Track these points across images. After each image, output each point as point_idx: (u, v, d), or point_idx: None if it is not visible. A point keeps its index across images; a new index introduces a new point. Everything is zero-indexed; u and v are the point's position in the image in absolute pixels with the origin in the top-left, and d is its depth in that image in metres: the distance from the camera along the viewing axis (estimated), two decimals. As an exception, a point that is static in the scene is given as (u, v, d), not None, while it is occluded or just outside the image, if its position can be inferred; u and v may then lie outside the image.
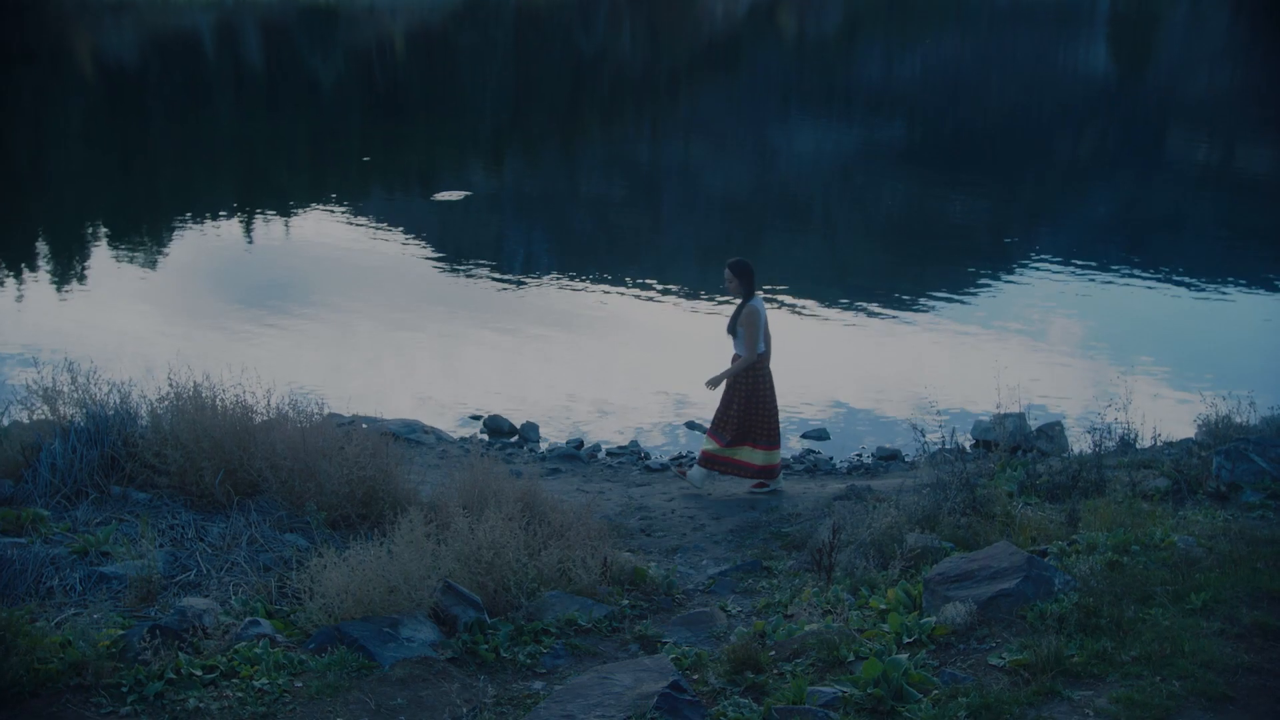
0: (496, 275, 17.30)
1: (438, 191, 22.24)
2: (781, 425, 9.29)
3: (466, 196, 21.96)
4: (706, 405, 12.15)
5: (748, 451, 9.07)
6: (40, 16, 48.01)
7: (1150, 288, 16.70)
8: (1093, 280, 17.19)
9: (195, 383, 6.98)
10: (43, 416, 6.90)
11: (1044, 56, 51.08)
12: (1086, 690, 4.34)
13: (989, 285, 17.24)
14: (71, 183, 23.92)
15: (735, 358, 9.03)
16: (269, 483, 6.63)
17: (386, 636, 4.92)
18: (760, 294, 9.11)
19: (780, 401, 9.47)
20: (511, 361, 13.46)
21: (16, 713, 4.22)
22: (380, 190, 24.48)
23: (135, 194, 23.19)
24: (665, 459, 10.81)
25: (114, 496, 6.50)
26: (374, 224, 20.60)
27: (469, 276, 17.23)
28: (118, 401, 6.95)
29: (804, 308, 15.79)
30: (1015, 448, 9.96)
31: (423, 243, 19.33)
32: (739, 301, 9.03)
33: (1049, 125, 34.08)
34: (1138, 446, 9.10)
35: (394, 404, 11.71)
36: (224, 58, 44.00)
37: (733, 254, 9.33)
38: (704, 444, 9.36)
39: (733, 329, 8.95)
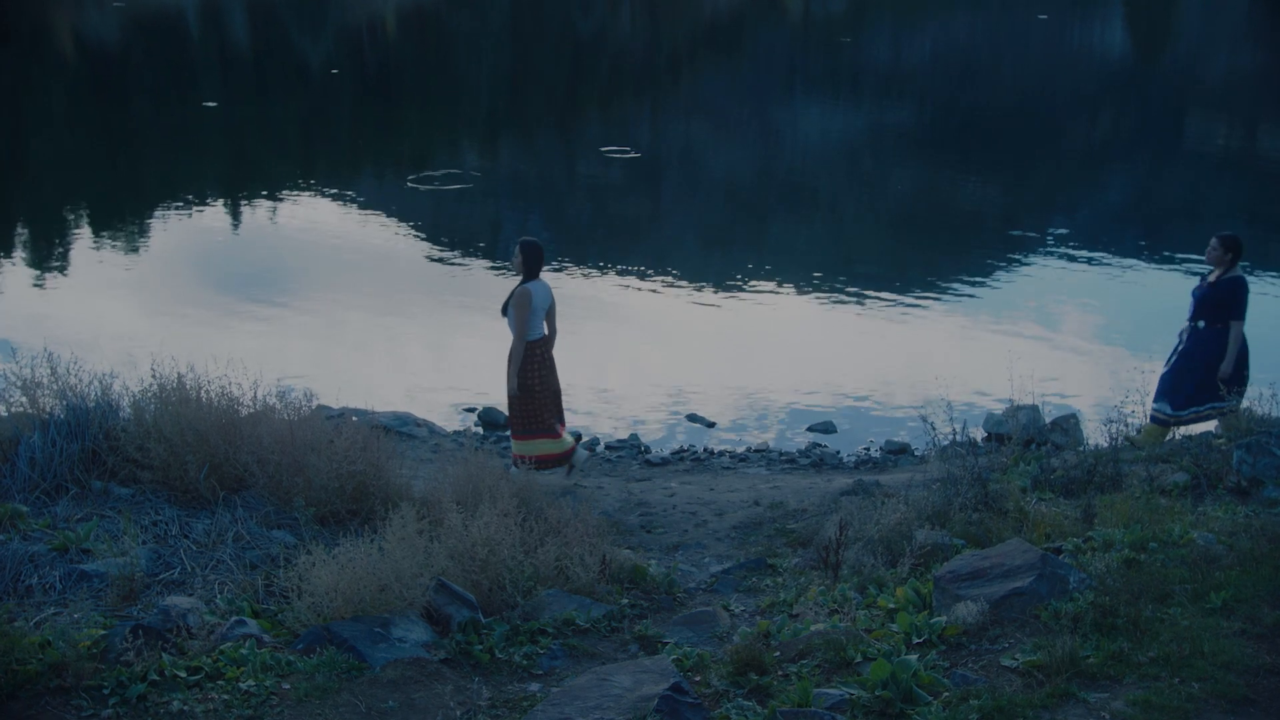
0: (491, 262, 17.26)
1: (410, 175, 22.15)
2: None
3: (445, 177, 21.90)
4: (708, 397, 12.15)
5: (547, 443, 8.93)
6: (19, -5, 47.91)
7: (1168, 276, 16.67)
8: (1109, 268, 17.16)
9: (179, 374, 6.96)
10: (21, 409, 6.88)
11: (1058, 37, 50.98)
12: (1102, 692, 4.33)
13: (1001, 273, 17.22)
14: (51, 167, 23.88)
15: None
16: (255, 477, 6.61)
17: (377, 637, 4.90)
18: (546, 279, 8.91)
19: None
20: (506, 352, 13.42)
21: (-6, 715, 4.21)
22: (371, 175, 24.45)
23: (117, 179, 23.15)
24: (666, 453, 10.80)
25: (95, 492, 6.48)
26: (365, 210, 20.57)
27: (462, 263, 17.20)
28: (99, 393, 6.92)
29: (810, 297, 15.77)
30: (1029, 441, 9.95)
31: (415, 229, 19.30)
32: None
33: (1063, 108, 34.01)
34: (1156, 440, 9.08)
35: (385, 396, 11.69)
36: (209, 38, 43.91)
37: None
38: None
39: (505, 310, 8.85)
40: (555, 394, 8.97)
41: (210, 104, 29.88)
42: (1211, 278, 9.33)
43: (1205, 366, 9.13)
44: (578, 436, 9.37)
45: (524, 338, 8.65)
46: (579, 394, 12.25)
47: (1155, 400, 9.42)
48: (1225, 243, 9.24)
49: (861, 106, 34.77)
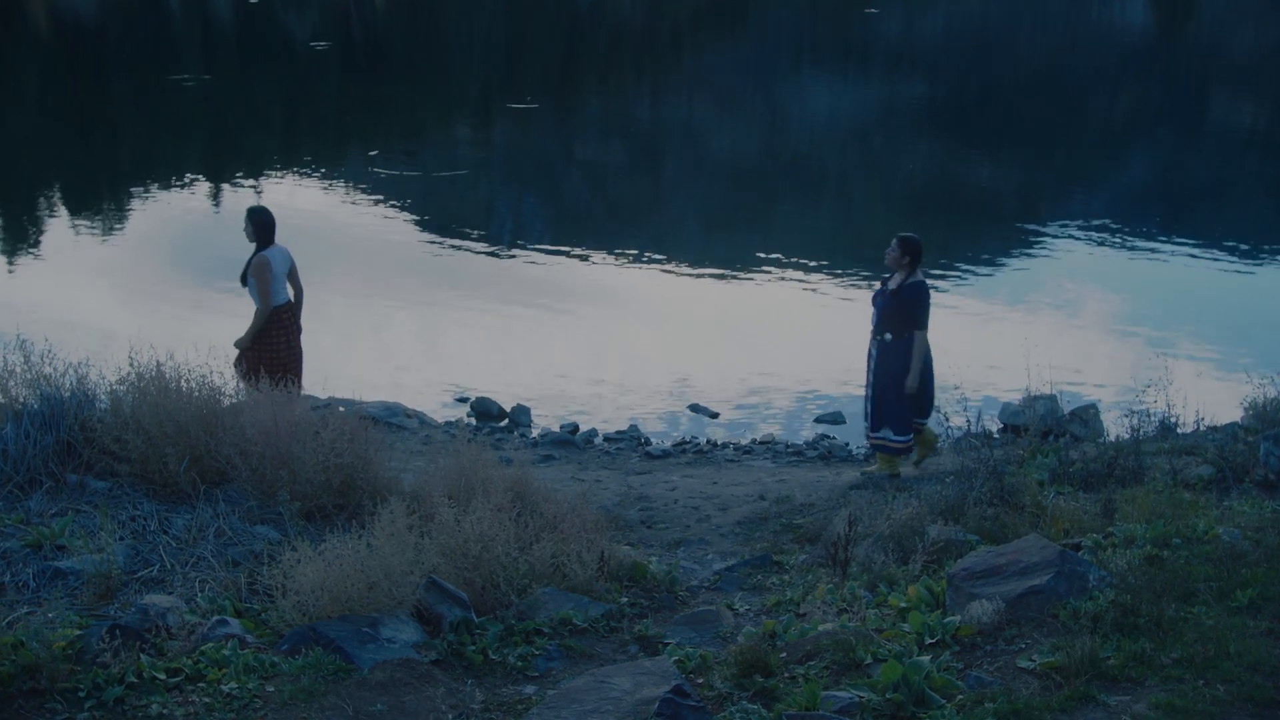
0: (484, 246, 17.25)
1: (351, 151, 22.07)
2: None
3: (405, 161, 21.85)
4: (711, 386, 12.14)
5: None
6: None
7: (1192, 260, 16.64)
8: (1130, 252, 17.14)
9: (158, 362, 6.94)
10: (-8, 399, 6.86)
11: (1077, 10, 50.84)
12: (1123, 695, 4.33)
13: (1018, 257, 17.19)
14: (26, 148, 23.83)
15: (256, 311, 8.98)
16: (238, 471, 6.60)
17: (365, 637, 4.90)
18: (281, 244, 9.02)
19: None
20: (501, 340, 13.43)
21: (-35, 719, 4.21)
22: (358, 155, 24.38)
23: (94, 160, 23.11)
24: (667, 445, 10.79)
25: (70, 486, 6.47)
26: (352, 191, 20.53)
27: (454, 247, 17.17)
28: (74, 383, 6.90)
29: (817, 281, 15.75)
30: (1046, 433, 9.93)
31: (405, 211, 19.28)
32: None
33: (1083, 84, 33.93)
34: (1179, 431, 9.08)
35: (374, 385, 11.68)
36: (191, 12, 43.79)
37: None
38: None
39: (244, 279, 8.95)
40: (296, 360, 9.09)
41: (188, 81, 29.80)
42: (892, 284, 8.88)
43: (895, 388, 8.68)
44: None
45: (270, 304, 8.82)
46: (576, 383, 12.25)
47: (877, 430, 8.92)
48: (904, 245, 8.77)
49: (871, 82, 34.70)
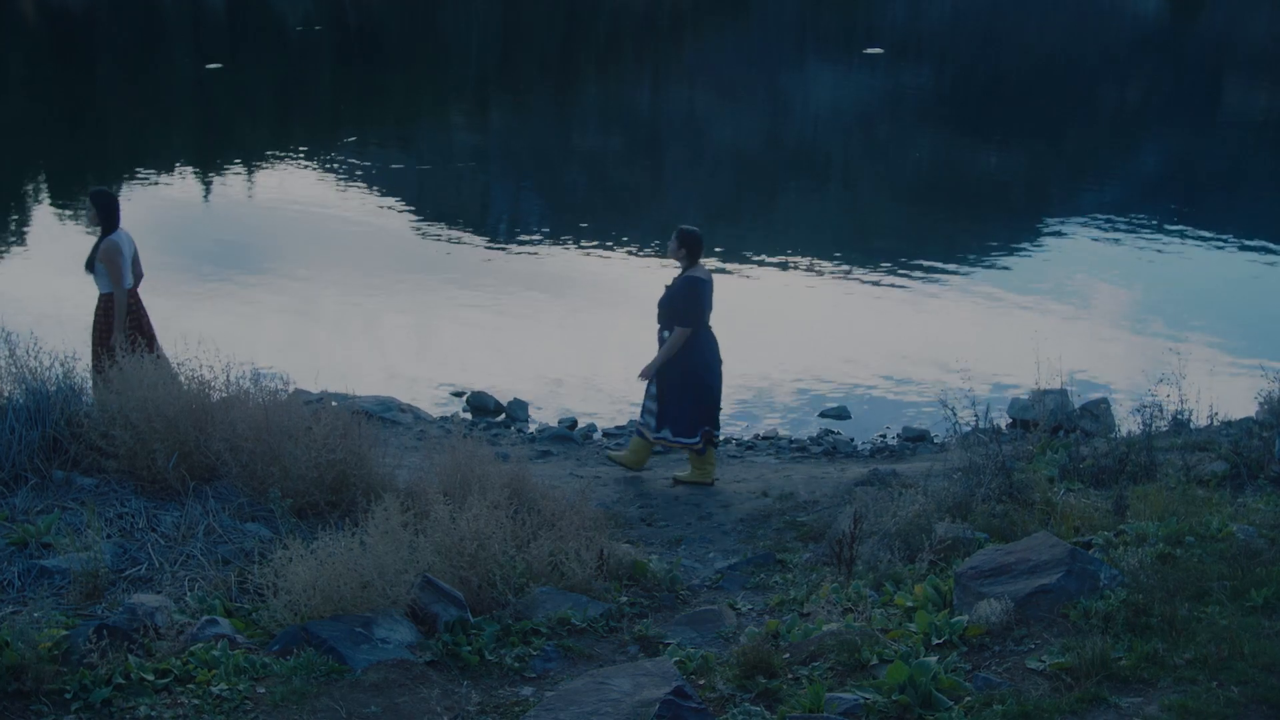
0: (481, 238, 17.23)
1: (345, 140, 21.99)
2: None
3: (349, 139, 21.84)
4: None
5: None
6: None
7: (1206, 251, 16.64)
8: (1142, 243, 17.12)
9: (145, 356, 6.94)
10: (-23, 394, 6.86)
11: (1088, -4, 50.78)
12: (1135, 696, 4.32)
13: (1027, 248, 17.17)
14: (12, 135, 23.81)
15: (100, 297, 8.92)
16: (228, 466, 6.59)
17: (359, 637, 4.89)
18: (125, 229, 8.99)
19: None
20: (497, 333, 13.42)
21: (-52, 721, 4.20)
22: (352, 144, 24.39)
23: (82, 148, 23.08)
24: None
25: (56, 482, 6.47)
26: (346, 181, 20.51)
27: (450, 239, 17.16)
28: (60, 377, 6.90)
29: (821, 273, 15.73)
30: (1056, 428, 9.94)
31: (399, 202, 19.27)
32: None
33: (1094, 71, 33.91)
34: (1192, 426, 9.06)
35: (367, 380, 11.68)
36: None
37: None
38: None
39: (91, 265, 8.89)
40: (152, 340, 9.09)
41: (181, 75, 29.78)
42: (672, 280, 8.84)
43: (677, 386, 8.62)
44: None
45: (124, 288, 8.82)
46: (574, 377, 12.24)
47: (659, 430, 8.80)
48: (680, 237, 8.68)
49: (877, 69, 34.66)
